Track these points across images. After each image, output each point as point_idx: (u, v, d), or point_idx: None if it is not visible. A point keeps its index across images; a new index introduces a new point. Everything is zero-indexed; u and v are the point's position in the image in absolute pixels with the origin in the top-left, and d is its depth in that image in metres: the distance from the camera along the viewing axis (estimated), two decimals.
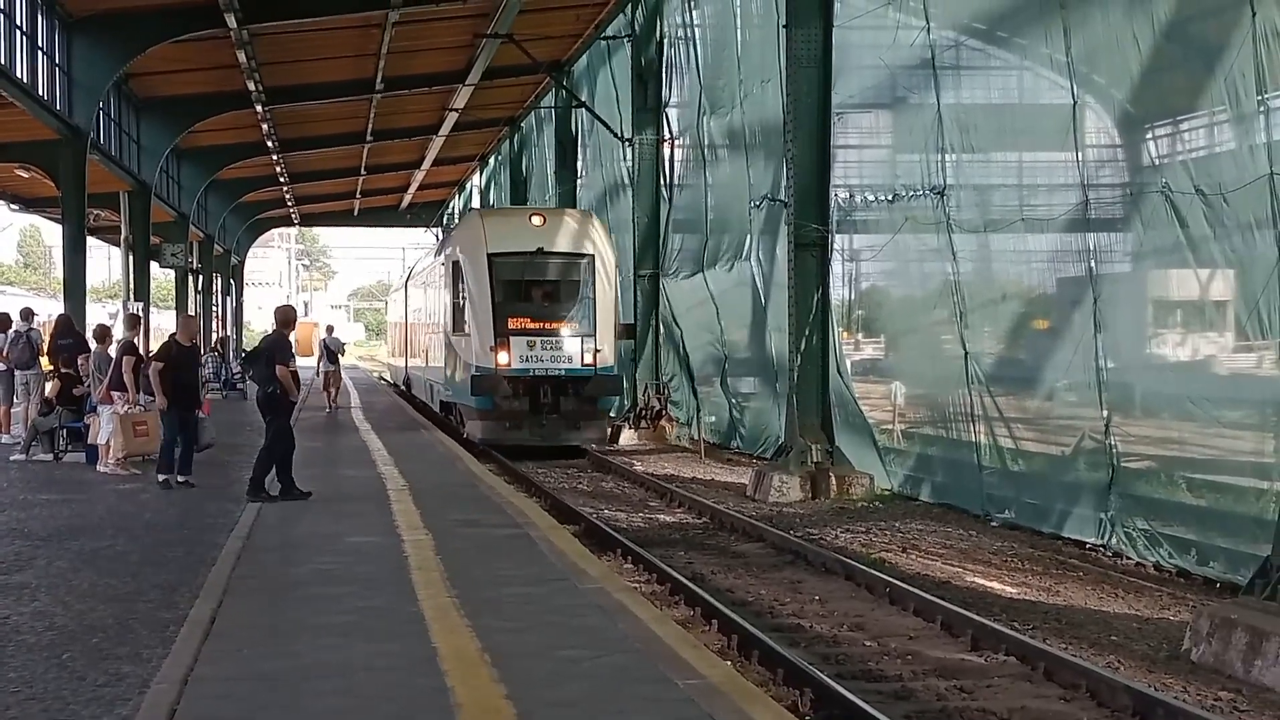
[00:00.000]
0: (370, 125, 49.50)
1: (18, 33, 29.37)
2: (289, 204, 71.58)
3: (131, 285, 43.65)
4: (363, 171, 61.58)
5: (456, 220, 76.88)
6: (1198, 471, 17.77)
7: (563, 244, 30.50)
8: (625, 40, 38.46)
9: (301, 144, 52.09)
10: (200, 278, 60.19)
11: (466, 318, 30.67)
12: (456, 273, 31.75)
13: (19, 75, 29.01)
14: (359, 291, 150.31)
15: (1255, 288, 16.44)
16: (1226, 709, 10.67)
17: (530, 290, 30.22)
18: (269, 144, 48.84)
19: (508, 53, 37.62)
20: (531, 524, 16.51)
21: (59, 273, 40.59)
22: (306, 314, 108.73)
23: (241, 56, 33.88)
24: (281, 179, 59.34)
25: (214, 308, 67.82)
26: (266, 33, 33.49)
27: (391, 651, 9.72)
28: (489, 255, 29.46)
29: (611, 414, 38.24)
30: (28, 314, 30.06)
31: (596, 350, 28.94)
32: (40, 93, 31.01)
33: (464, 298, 30.81)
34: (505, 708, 8.22)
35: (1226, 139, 18.00)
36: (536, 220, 31.84)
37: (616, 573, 15.54)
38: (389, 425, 36.88)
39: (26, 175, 36.87)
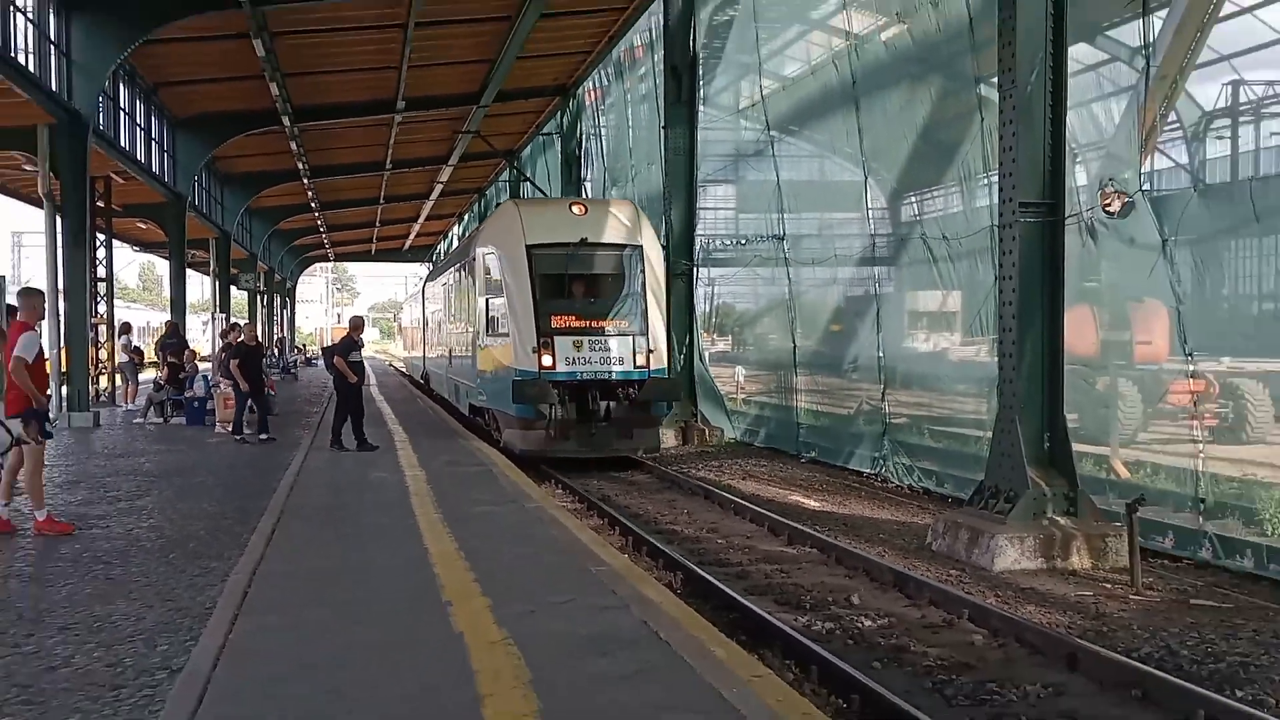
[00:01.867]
0: (383, 191, 49.12)
1: (138, 129, 29.24)
2: (326, 245, 70.80)
3: (217, 302, 43.59)
4: (377, 223, 61.01)
5: (437, 259, 65.31)
6: (938, 425, 18.14)
7: (608, 234, 20.24)
8: (556, 136, 37.97)
9: (334, 204, 51.60)
10: (264, 297, 60.02)
11: (503, 316, 20.17)
12: (490, 268, 21.08)
13: (140, 158, 28.91)
14: (375, 305, 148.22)
15: (976, 304, 16.92)
16: (955, 581, 10.92)
17: (574, 285, 20.00)
18: (312, 204, 48.61)
19: (477, 144, 37.20)
20: (493, 462, 16.53)
21: (167, 293, 39.92)
22: (339, 322, 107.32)
23: (293, 146, 33.72)
24: (321, 227, 58.69)
25: (275, 318, 67.77)
26: (309, 129, 33.25)
27: (396, 553, 9.91)
28: (528, 247, 19.55)
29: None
30: (126, 328, 30.12)
31: (650, 350, 19.33)
32: (155, 170, 30.94)
33: (500, 295, 20.52)
34: (471, 584, 8.48)
35: (958, 204, 18.45)
36: (577, 210, 21.12)
37: (550, 496, 15.76)
38: (396, 398, 34.47)
39: (144, 226, 36.54)
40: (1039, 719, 7.15)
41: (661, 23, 25.08)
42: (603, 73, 32.96)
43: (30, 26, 20.92)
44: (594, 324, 19.20)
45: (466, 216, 61.68)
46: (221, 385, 22.24)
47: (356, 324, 20.21)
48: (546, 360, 18.68)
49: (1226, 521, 12.12)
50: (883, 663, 8.36)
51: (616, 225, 20.31)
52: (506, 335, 19.65)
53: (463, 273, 24.76)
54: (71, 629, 7.44)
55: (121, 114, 27.76)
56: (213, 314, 41.11)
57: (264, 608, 7.74)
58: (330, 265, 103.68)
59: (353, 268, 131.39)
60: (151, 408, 25.03)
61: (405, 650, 6.68)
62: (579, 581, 8.49)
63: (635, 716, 5.55)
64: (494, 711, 5.57)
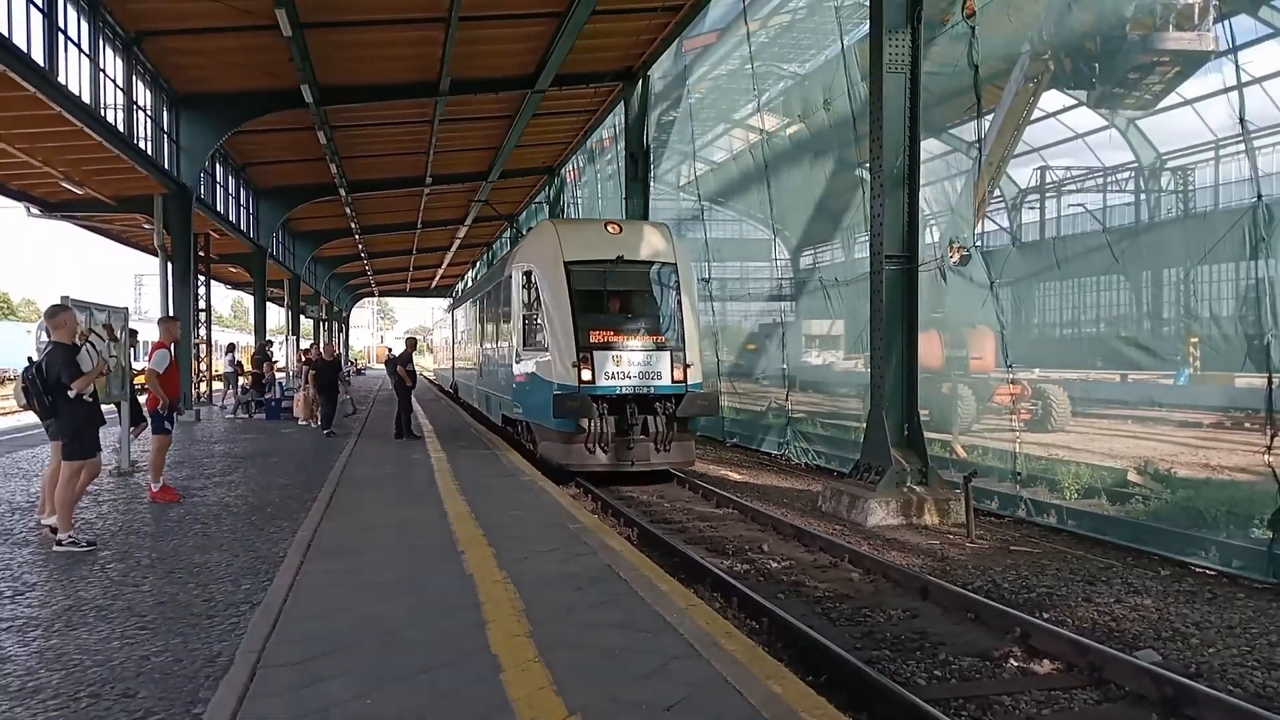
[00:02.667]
0: (415, 244, 48.69)
1: (230, 197, 29.04)
2: (371, 284, 70.37)
3: (289, 327, 43.24)
4: (411, 268, 60.61)
5: (452, 296, 60.18)
6: (827, 418, 18.17)
7: (644, 252, 16.57)
8: (545, 204, 37.76)
9: (378, 254, 51.15)
10: (325, 323, 59.60)
11: (542, 332, 16.09)
12: (528, 284, 16.91)
13: (231, 219, 28.71)
14: (409, 329, 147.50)
15: (855, 329, 17.06)
16: (839, 533, 10.95)
17: (611, 301, 16.19)
18: (361, 254, 48.17)
19: (486, 210, 37.07)
20: (499, 447, 16.37)
21: (252, 320, 39.57)
22: (381, 342, 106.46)
23: (347, 210, 33.46)
24: (368, 270, 58.16)
25: (334, 339, 67.35)
26: (360, 198, 33.04)
27: (422, 513, 9.86)
28: (566, 264, 15.86)
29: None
30: (231, 347, 29.88)
31: (687, 365, 15.55)
32: (243, 228, 30.59)
33: (537, 311, 16.41)
34: (480, 538, 8.44)
35: (842, 255, 18.63)
36: (613, 229, 16.99)
37: (542, 475, 15.67)
38: (427, 398, 33.26)
39: (235, 270, 36.37)
40: (900, 635, 7.20)
41: (623, 121, 25.10)
42: (579, 157, 33.00)
43: (149, 121, 20.88)
44: (632, 339, 15.16)
45: (478, 263, 61.43)
46: (307, 390, 21.86)
47: (411, 342, 20.22)
48: (586, 375, 14.75)
49: (1036, 489, 12.26)
50: (785, 594, 8.39)
51: (651, 243, 16.32)
52: (544, 350, 15.46)
53: (498, 290, 19.75)
54: (176, 573, 7.36)
55: (218, 186, 27.58)
56: (285, 337, 40.77)
57: (323, 555, 7.70)
58: (375, 299, 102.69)
59: (392, 301, 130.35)
60: (239, 406, 24.80)
61: (430, 585, 6.66)
62: (560, 535, 8.48)
63: (600, 633, 5.56)
64: (496, 631, 5.58)
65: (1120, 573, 9.00)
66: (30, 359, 8.71)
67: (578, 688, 4.73)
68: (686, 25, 20.80)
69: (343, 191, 29.69)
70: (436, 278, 69.77)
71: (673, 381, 14.92)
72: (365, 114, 23.99)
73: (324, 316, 56.68)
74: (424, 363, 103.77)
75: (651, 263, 15.94)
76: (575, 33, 18.87)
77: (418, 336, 23.45)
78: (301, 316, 48.87)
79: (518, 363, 16.82)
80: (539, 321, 15.81)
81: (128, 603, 6.52)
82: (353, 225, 37.37)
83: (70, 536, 8.22)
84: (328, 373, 20.00)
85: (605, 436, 14.50)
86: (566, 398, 14.35)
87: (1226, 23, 15.28)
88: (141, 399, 12.48)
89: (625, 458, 14.62)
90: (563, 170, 35.17)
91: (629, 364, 14.85)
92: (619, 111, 25.81)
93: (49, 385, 8.19)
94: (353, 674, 4.93)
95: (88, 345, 8.86)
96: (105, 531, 8.99)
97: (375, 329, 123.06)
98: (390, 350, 52.49)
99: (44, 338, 8.93)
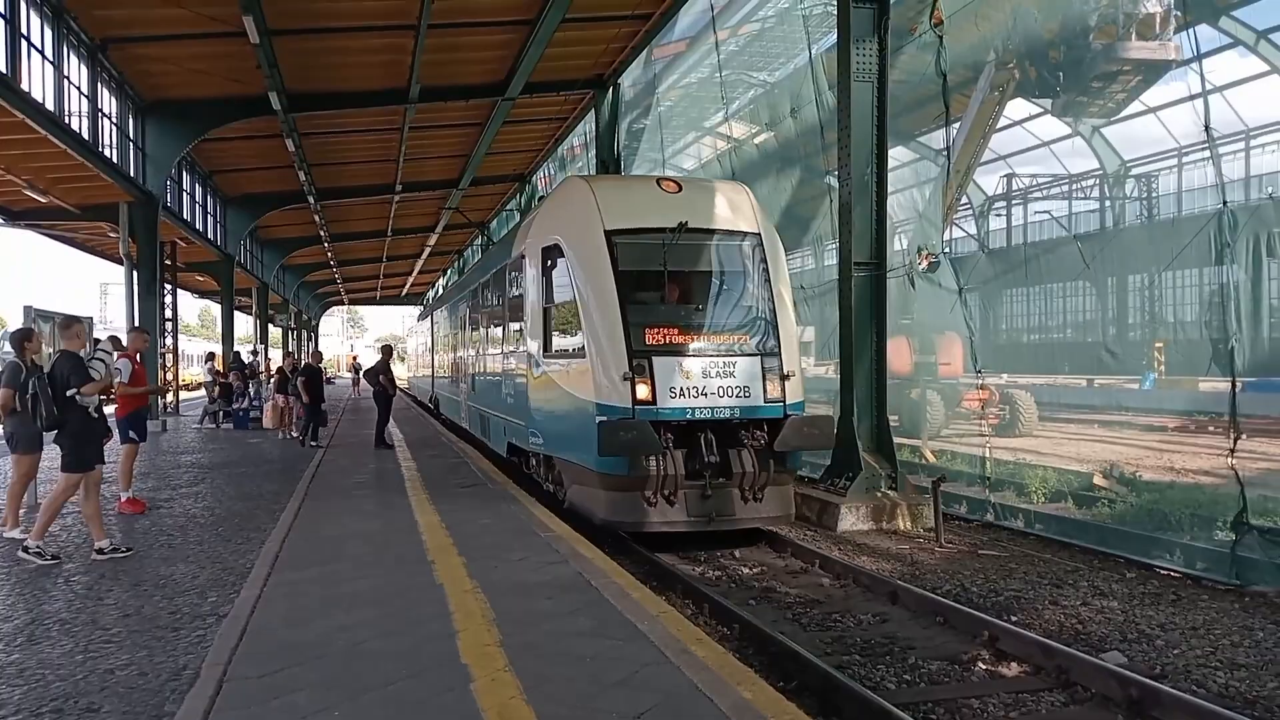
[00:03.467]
0: (385, 252, 48.40)
1: (197, 205, 28.80)
2: (341, 292, 69.86)
3: (257, 336, 42.89)
4: (381, 275, 60.17)
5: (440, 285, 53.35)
6: None
7: (715, 217, 11.17)
8: (516, 211, 37.46)
9: (348, 261, 50.86)
10: (294, 332, 59.13)
11: (574, 332, 10.79)
12: (550, 265, 11.38)
13: (198, 227, 28.45)
14: (380, 337, 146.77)
15: (825, 335, 17.11)
16: (810, 539, 10.82)
17: (674, 287, 10.78)
18: (331, 262, 47.85)
19: (457, 217, 36.99)
20: (465, 453, 16.12)
21: (219, 329, 39.16)
22: (351, 350, 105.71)
23: (316, 218, 33.21)
24: (337, 278, 57.82)
25: (302, 348, 66.80)
26: (329, 206, 32.82)
27: (392, 522, 9.80)
28: (609, 235, 10.54)
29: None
30: (210, 356, 29.55)
31: (785, 376, 10.30)
32: (210, 236, 30.38)
33: (567, 301, 11.04)
34: (450, 547, 8.41)
35: (812, 263, 18.72)
36: (668, 186, 11.57)
37: (511, 481, 15.60)
38: (397, 407, 33.93)
39: (202, 278, 35.99)
40: (870, 639, 7.23)
41: (594, 128, 25.12)
42: (551, 165, 32.95)
43: (115, 128, 20.68)
44: (706, 340, 10.37)
45: (449, 270, 61.28)
46: (276, 399, 21.41)
47: (387, 349, 20.03)
48: (643, 391, 9.94)
49: (1004, 493, 12.39)
50: (756, 600, 8.41)
51: (724, 205, 11.41)
52: (578, 356, 10.63)
53: (501, 278, 14.77)
54: (141, 586, 7.28)
55: (184, 194, 27.38)
56: (253, 346, 40.41)
57: (291, 566, 7.63)
58: (344, 307, 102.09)
59: (362, 309, 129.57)
60: (206, 416, 24.54)
61: (399, 596, 6.62)
62: (531, 543, 8.46)
63: (571, 641, 5.55)
64: (467, 640, 5.56)
65: (1087, 575, 9.10)
66: (40, 367, 8.59)
67: (548, 697, 4.72)
68: (656, 34, 20.86)
69: (312, 199, 29.52)
70: (407, 285, 69.41)
71: (767, 400, 10.21)
72: (335, 121, 23.89)
73: (293, 325, 56.19)
74: (397, 371, 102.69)
75: (727, 232, 11.13)
76: (545, 41, 18.88)
77: (392, 344, 23.09)
78: (270, 325, 48.43)
79: (536, 374, 11.82)
80: (570, 317, 10.92)
81: (91, 616, 6.44)
82: (322, 233, 37.16)
83: (38, 547, 8.15)
84: (318, 381, 19.68)
85: (674, 481, 9.77)
86: (618, 426, 9.42)
87: (1189, 32, 15.54)
88: (109, 410, 12.28)
89: (700, 511, 9.88)
90: (534, 178, 35.12)
91: (704, 376, 10.09)
92: (590, 119, 25.84)
93: (57, 393, 8.13)
94: (321, 686, 4.89)
95: (95, 358, 8.82)
96: (70, 544, 8.88)
97: (345, 337, 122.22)
98: (356, 358, 51.56)
99: (8, 348, 8.93)
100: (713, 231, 11.03)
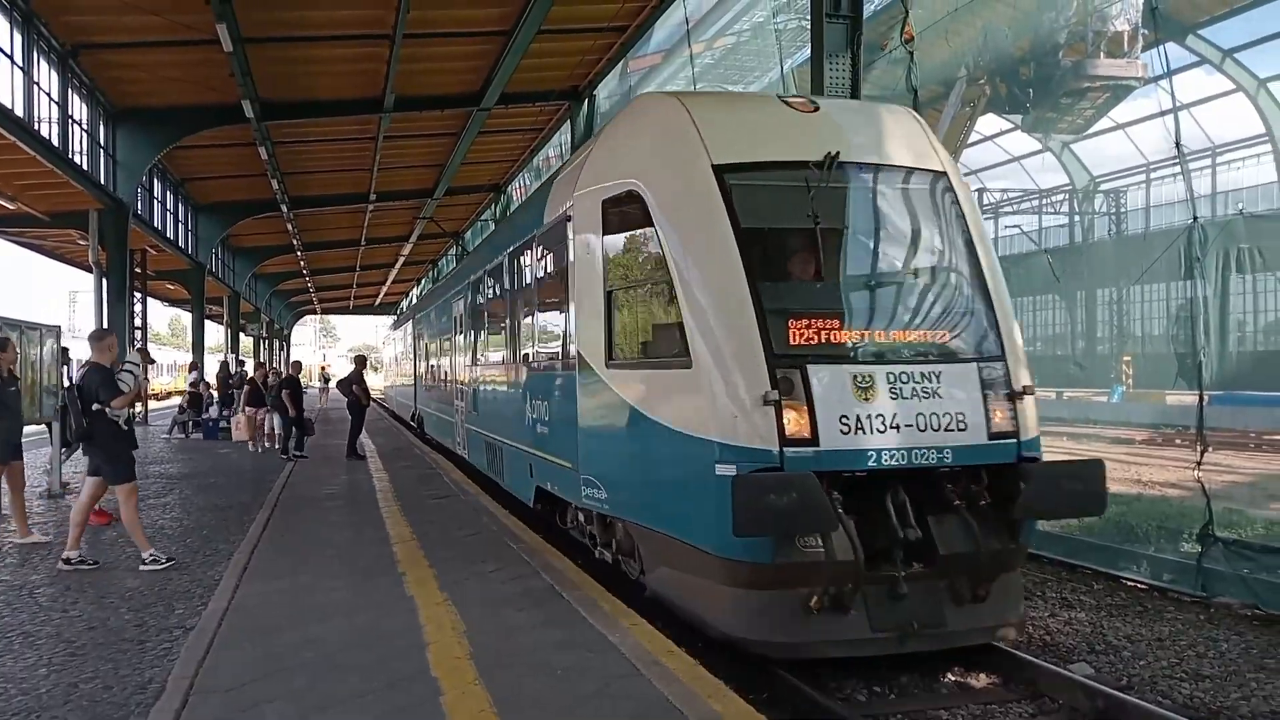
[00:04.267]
0: (359, 261, 48.16)
1: (168, 213, 28.61)
2: (314, 301, 69.49)
3: (229, 345, 42.60)
4: (354, 285, 59.95)
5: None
6: None
7: (880, 149, 6.59)
8: (492, 221, 37.48)
9: (321, 270, 50.58)
10: (266, 341, 58.77)
11: (663, 324, 6.29)
12: (615, 225, 6.93)
13: (169, 235, 28.26)
14: (353, 347, 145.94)
15: None
16: None
17: (827, 252, 6.16)
18: (304, 271, 47.50)
19: (431, 226, 36.91)
20: (437, 464, 16.12)
21: (190, 339, 38.80)
22: (323, 360, 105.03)
23: (289, 227, 33.08)
24: (310, 287, 57.52)
25: (273, 358, 66.39)
26: (302, 215, 32.68)
27: (363, 533, 9.76)
28: (718, 172, 6.03)
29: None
30: (194, 366, 29.24)
31: (1016, 393, 5.99)
32: (181, 244, 30.13)
33: (645, 278, 6.63)
34: (422, 559, 8.38)
35: None
36: (801, 106, 6.75)
37: (484, 491, 15.53)
38: (370, 418, 33.40)
39: (173, 287, 35.66)
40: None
41: (569, 140, 25.15)
42: (526, 175, 32.96)
43: (85, 135, 20.51)
44: (890, 337, 6.45)
45: (423, 280, 61.03)
46: (247, 412, 20.90)
47: (361, 360, 19.91)
48: (796, 423, 5.86)
49: None
50: None
51: (890, 132, 7.35)
52: (672, 364, 6.48)
53: (525, 257, 10.50)
54: (108, 598, 7.21)
55: (155, 201, 27.18)
56: (225, 356, 40.12)
57: (260, 577, 7.58)
58: (317, 316, 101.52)
59: (335, 318, 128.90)
60: (175, 426, 24.30)
61: (369, 608, 6.59)
62: (503, 555, 8.43)
63: (543, 654, 5.54)
64: (437, 653, 5.54)
65: (1055, 587, 9.17)
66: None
67: (519, 710, 4.71)
68: (632, 46, 20.93)
69: (284, 208, 29.35)
70: (380, 295, 69.06)
71: (992, 435, 6.31)
72: (308, 129, 23.78)
73: (265, 334, 55.83)
74: (371, 381, 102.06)
75: (901, 169, 7.16)
76: (521, 51, 18.90)
77: (366, 355, 22.91)
78: (241, 334, 48.07)
79: (590, 391, 7.64)
80: (654, 302, 7.05)
81: (56, 629, 6.37)
82: (295, 242, 37.00)
83: (152, 555, 8.28)
84: (299, 391, 19.35)
85: (851, 573, 5.86)
86: (765, 486, 5.59)
87: (1158, 50, 15.78)
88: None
89: (891, 622, 6.04)
90: (509, 188, 35.09)
91: (892, 396, 6.15)
92: (565, 130, 25.86)
93: (87, 405, 8.14)
94: (289, 699, 4.86)
95: (124, 369, 8.79)
96: (34, 555, 8.78)
97: (318, 346, 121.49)
98: (327, 367, 51.23)
99: None
100: (879, 168, 7.04)
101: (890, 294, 6.80)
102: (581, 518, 8.78)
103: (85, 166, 20.30)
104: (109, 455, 8.33)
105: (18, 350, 10.41)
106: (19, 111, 16.62)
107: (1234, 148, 27.17)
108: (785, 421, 5.85)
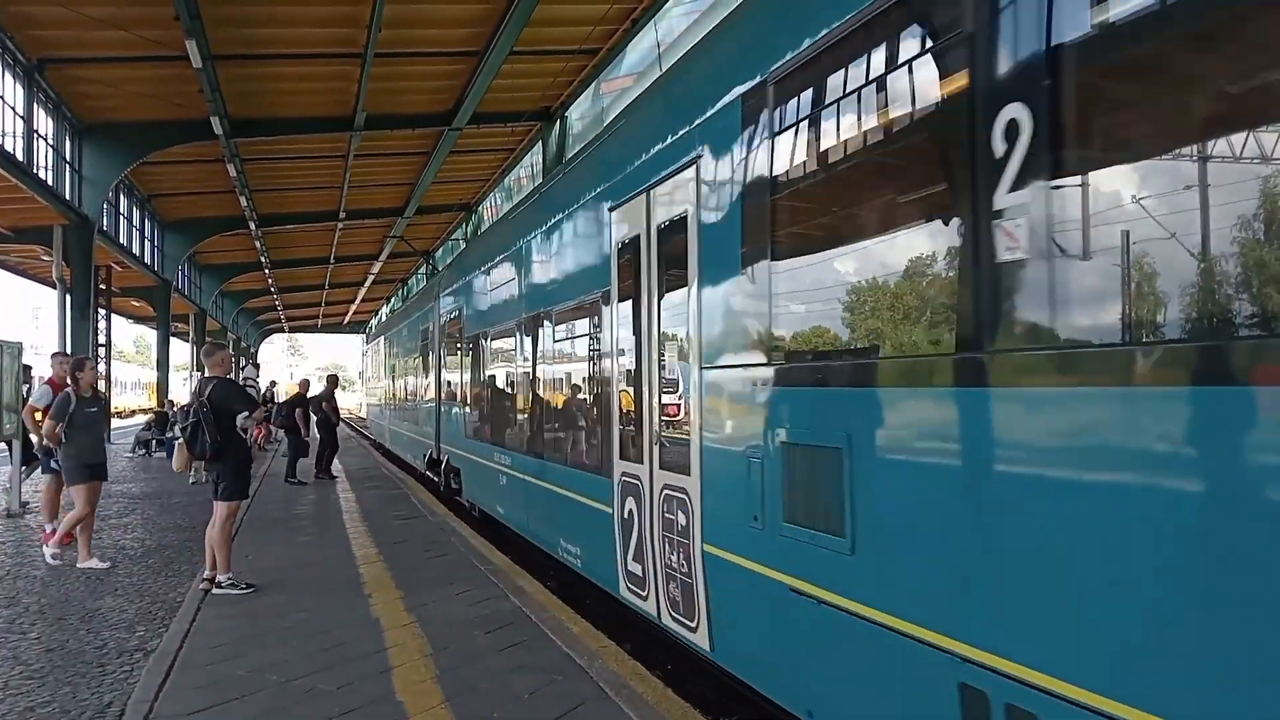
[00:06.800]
0: (327, 280, 48.12)
1: (134, 229, 28.30)
2: (282, 319, 68.96)
3: (194, 364, 42.15)
4: (323, 303, 59.65)
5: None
6: None
7: None
8: (462, 240, 37.67)
9: (289, 289, 50.20)
10: (234, 360, 58.34)
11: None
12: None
13: (135, 252, 27.96)
14: (321, 366, 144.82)
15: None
16: None
17: None
18: (271, 289, 47.20)
19: (401, 245, 36.82)
20: (405, 483, 16.01)
21: (155, 356, 38.37)
22: (291, 378, 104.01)
23: (257, 244, 32.95)
24: (278, 305, 57.27)
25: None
26: (270, 232, 32.53)
27: (329, 554, 9.67)
28: None
29: None
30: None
31: None
32: (147, 261, 29.78)
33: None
34: (389, 580, 8.30)
35: None
36: None
37: (451, 514, 15.47)
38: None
39: (138, 304, 35.30)
40: None
41: (541, 160, 25.22)
42: (497, 195, 32.95)
43: (51, 150, 20.30)
44: None
45: (392, 299, 60.68)
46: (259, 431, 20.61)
47: (334, 380, 19.71)
48: None
49: None
50: None
51: None
52: None
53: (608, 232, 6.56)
54: (66, 620, 7.07)
55: (121, 217, 26.90)
56: (189, 375, 39.64)
57: (223, 599, 7.47)
58: (285, 334, 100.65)
59: (302, 337, 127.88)
60: (138, 444, 23.95)
61: (334, 630, 6.51)
62: (471, 577, 8.37)
63: (510, 677, 5.50)
64: (402, 676, 5.48)
65: None
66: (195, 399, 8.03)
67: None
68: (604, 68, 21.06)
69: (253, 225, 29.23)
70: (349, 313, 68.73)
71: None
72: (278, 147, 23.69)
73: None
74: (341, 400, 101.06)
75: None
76: (493, 72, 18.97)
77: (338, 375, 22.63)
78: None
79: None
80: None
81: (13, 651, 6.23)
82: (263, 259, 36.80)
83: (230, 578, 7.87)
84: (307, 412, 18.40)
85: None
86: None
87: None
88: (34, 438, 11.91)
89: None
90: (480, 207, 35.08)
91: None
92: (537, 151, 25.93)
93: (220, 421, 7.64)
94: None
95: (247, 382, 8.62)
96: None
97: (285, 365, 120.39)
98: (305, 383, 51.21)
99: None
100: None
101: None
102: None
103: (50, 181, 20.09)
104: (238, 471, 8.03)
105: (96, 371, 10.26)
106: None
107: None
108: None
